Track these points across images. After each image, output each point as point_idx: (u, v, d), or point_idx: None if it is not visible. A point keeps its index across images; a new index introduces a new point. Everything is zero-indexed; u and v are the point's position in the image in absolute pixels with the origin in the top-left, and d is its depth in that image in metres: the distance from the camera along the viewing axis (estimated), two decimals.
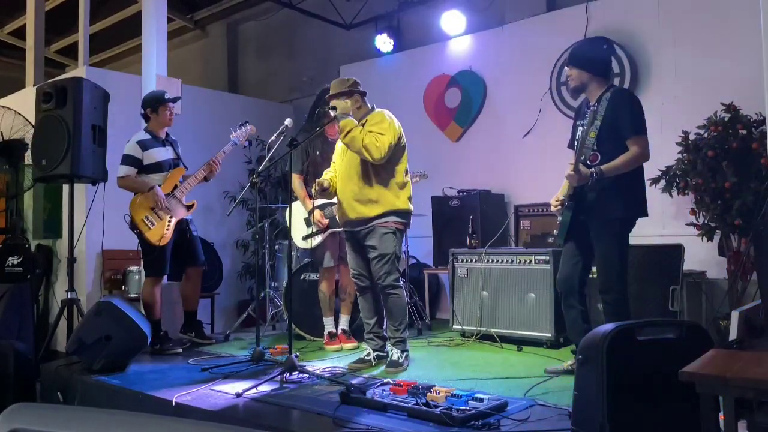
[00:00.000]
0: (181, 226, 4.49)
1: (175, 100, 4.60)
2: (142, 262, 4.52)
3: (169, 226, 4.36)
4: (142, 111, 4.55)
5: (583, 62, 3.35)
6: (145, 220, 4.31)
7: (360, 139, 3.59)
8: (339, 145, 3.91)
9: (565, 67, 3.49)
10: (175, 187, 4.45)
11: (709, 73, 4.74)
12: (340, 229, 4.02)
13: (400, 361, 3.66)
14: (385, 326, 3.88)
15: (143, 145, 4.41)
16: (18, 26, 8.80)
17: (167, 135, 4.61)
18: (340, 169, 3.84)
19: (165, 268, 4.42)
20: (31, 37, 7.02)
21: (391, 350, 3.73)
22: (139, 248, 4.48)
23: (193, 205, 4.55)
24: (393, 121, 3.73)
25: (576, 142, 3.37)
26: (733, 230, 4.19)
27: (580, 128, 3.37)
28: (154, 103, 4.48)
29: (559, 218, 3.36)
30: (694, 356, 1.91)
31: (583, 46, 3.40)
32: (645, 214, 3.32)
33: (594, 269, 3.44)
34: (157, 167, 4.43)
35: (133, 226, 4.35)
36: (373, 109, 3.85)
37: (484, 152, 6.01)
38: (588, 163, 3.23)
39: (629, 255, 4.00)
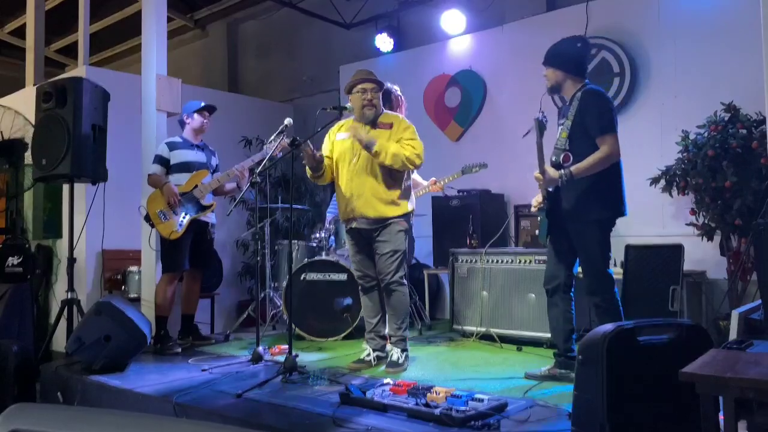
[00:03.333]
0: (200, 228, 4.57)
1: (209, 108, 4.74)
2: (150, 261, 4.60)
3: (182, 222, 4.42)
4: (179, 119, 4.74)
5: (556, 61, 3.34)
6: (159, 213, 4.42)
7: (401, 154, 3.62)
8: (340, 138, 3.88)
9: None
10: (195, 186, 4.51)
11: (709, 73, 4.74)
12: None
13: (400, 361, 3.66)
14: (386, 325, 3.89)
15: (171, 146, 4.58)
16: (18, 26, 8.79)
17: (203, 141, 4.76)
18: (355, 164, 3.75)
19: (179, 264, 4.48)
20: (31, 37, 7.01)
21: (391, 350, 3.72)
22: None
23: (211, 205, 4.58)
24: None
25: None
26: (733, 230, 4.20)
27: (559, 128, 3.38)
28: (190, 111, 4.69)
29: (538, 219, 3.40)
30: (694, 356, 1.91)
31: (557, 45, 3.38)
32: (623, 213, 3.29)
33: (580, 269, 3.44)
34: (184, 167, 4.56)
35: (147, 218, 4.46)
36: (382, 109, 3.89)
37: (484, 152, 5.99)
38: (560, 163, 3.24)
39: (635, 255, 4.01)
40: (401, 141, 3.68)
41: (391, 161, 3.62)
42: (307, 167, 3.82)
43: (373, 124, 3.80)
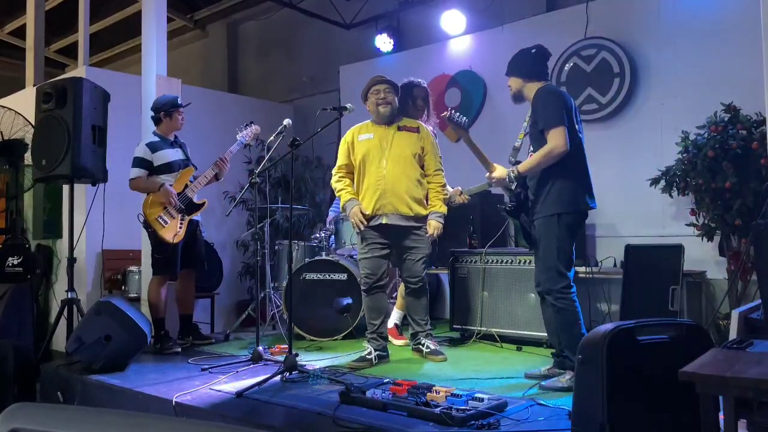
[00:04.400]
0: (192, 227, 4.53)
1: (186, 105, 4.67)
2: (150, 261, 4.54)
3: (182, 224, 4.40)
4: (154, 114, 4.58)
5: (512, 69, 3.43)
6: (159, 219, 4.34)
7: (443, 189, 3.96)
8: (364, 138, 3.91)
9: None
10: (186, 186, 4.48)
11: (709, 74, 4.74)
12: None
13: (439, 348, 3.92)
14: (385, 325, 3.95)
15: (152, 147, 4.44)
16: (18, 26, 8.79)
17: (176, 137, 4.66)
18: (387, 163, 3.82)
19: (175, 268, 4.44)
20: (31, 37, 7.02)
21: (425, 342, 3.93)
22: (150, 247, 4.50)
23: (204, 203, 4.57)
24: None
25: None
26: (733, 230, 4.20)
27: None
28: (169, 107, 4.53)
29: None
30: (694, 356, 1.91)
31: (515, 54, 3.47)
32: (585, 207, 3.27)
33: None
34: (167, 168, 4.46)
35: (147, 225, 4.36)
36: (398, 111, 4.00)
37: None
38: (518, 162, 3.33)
39: (635, 255, 4.00)
40: (428, 155, 3.93)
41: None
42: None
43: (394, 125, 3.89)
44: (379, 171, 3.82)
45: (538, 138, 3.26)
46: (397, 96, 3.93)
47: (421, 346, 3.96)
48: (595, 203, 3.30)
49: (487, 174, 3.40)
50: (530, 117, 3.33)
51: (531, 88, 3.36)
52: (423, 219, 3.88)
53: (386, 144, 3.85)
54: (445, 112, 3.40)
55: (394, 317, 4.59)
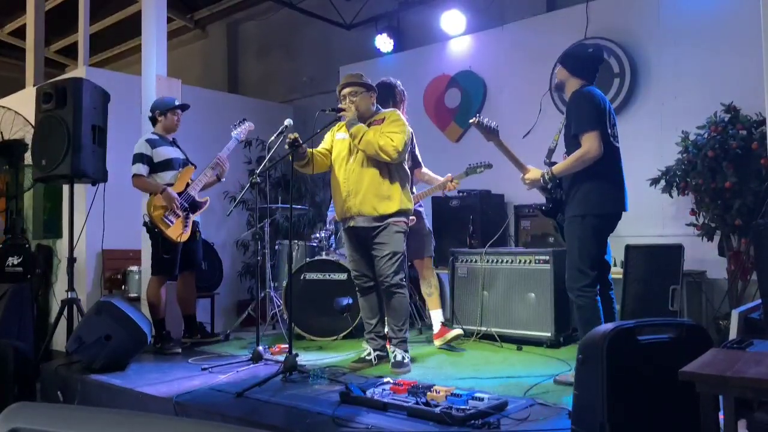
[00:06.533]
0: (193, 227, 4.53)
1: (184, 107, 4.69)
2: (151, 261, 4.51)
3: (187, 223, 4.41)
4: (150, 114, 4.62)
5: (563, 58, 3.44)
6: (165, 218, 4.32)
7: (375, 142, 3.63)
8: (340, 138, 3.89)
9: None
10: (188, 185, 4.48)
11: (709, 73, 4.74)
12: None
13: (405, 361, 3.64)
14: (385, 325, 3.89)
15: (152, 143, 4.44)
16: (18, 26, 8.79)
17: (174, 138, 4.68)
18: (352, 163, 3.77)
19: (176, 268, 4.45)
20: (31, 37, 7.02)
21: (394, 351, 3.69)
22: (153, 248, 4.46)
23: (206, 201, 4.58)
24: (405, 120, 3.84)
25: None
26: (733, 230, 4.20)
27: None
28: (165, 108, 4.56)
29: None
30: (694, 356, 1.91)
31: (572, 45, 3.48)
32: (613, 210, 3.28)
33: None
34: (167, 164, 4.46)
35: (153, 226, 4.32)
36: (378, 109, 3.89)
37: (484, 152, 5.97)
38: (552, 163, 3.33)
39: (635, 255, 3.99)
40: (381, 131, 3.68)
41: (364, 146, 3.65)
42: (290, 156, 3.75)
43: (365, 123, 3.82)
44: (346, 173, 3.77)
45: (571, 141, 3.27)
46: (369, 93, 3.83)
47: (382, 352, 3.84)
48: (627, 206, 3.32)
49: (521, 176, 3.39)
50: (565, 118, 3.34)
51: (572, 85, 3.35)
52: (390, 217, 3.71)
53: (355, 144, 3.76)
54: (474, 119, 3.35)
55: (439, 316, 4.48)
